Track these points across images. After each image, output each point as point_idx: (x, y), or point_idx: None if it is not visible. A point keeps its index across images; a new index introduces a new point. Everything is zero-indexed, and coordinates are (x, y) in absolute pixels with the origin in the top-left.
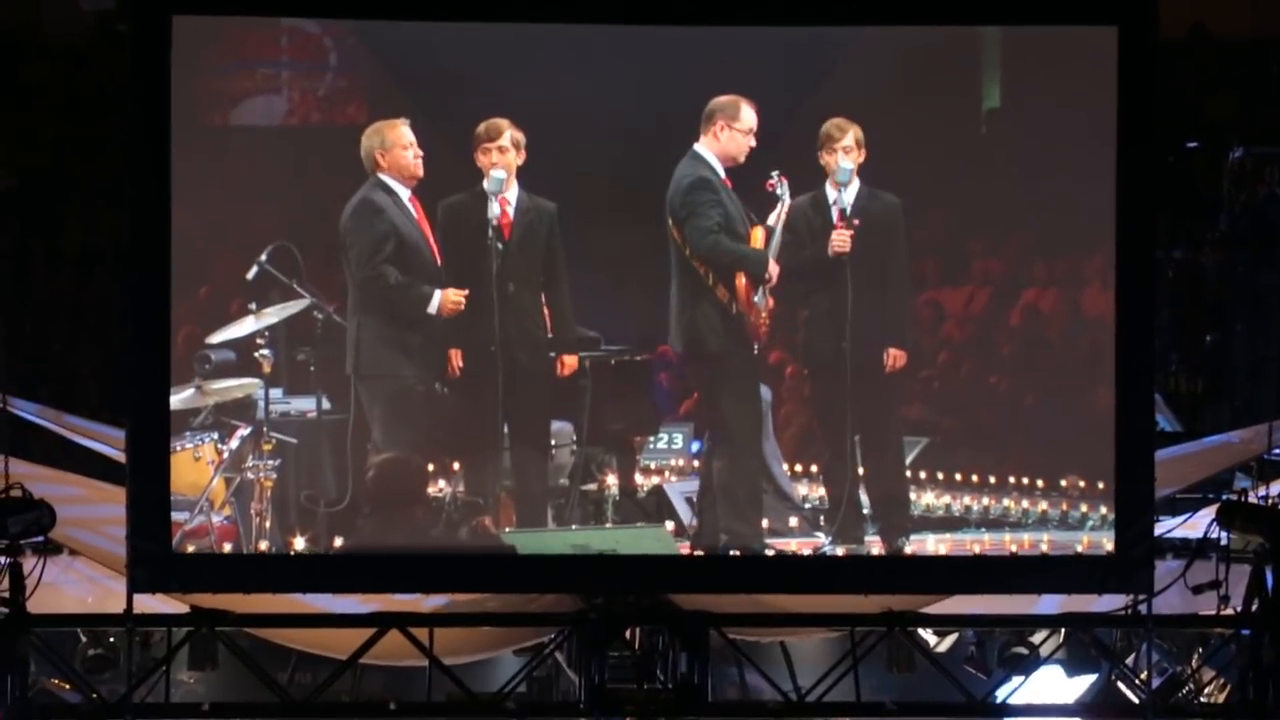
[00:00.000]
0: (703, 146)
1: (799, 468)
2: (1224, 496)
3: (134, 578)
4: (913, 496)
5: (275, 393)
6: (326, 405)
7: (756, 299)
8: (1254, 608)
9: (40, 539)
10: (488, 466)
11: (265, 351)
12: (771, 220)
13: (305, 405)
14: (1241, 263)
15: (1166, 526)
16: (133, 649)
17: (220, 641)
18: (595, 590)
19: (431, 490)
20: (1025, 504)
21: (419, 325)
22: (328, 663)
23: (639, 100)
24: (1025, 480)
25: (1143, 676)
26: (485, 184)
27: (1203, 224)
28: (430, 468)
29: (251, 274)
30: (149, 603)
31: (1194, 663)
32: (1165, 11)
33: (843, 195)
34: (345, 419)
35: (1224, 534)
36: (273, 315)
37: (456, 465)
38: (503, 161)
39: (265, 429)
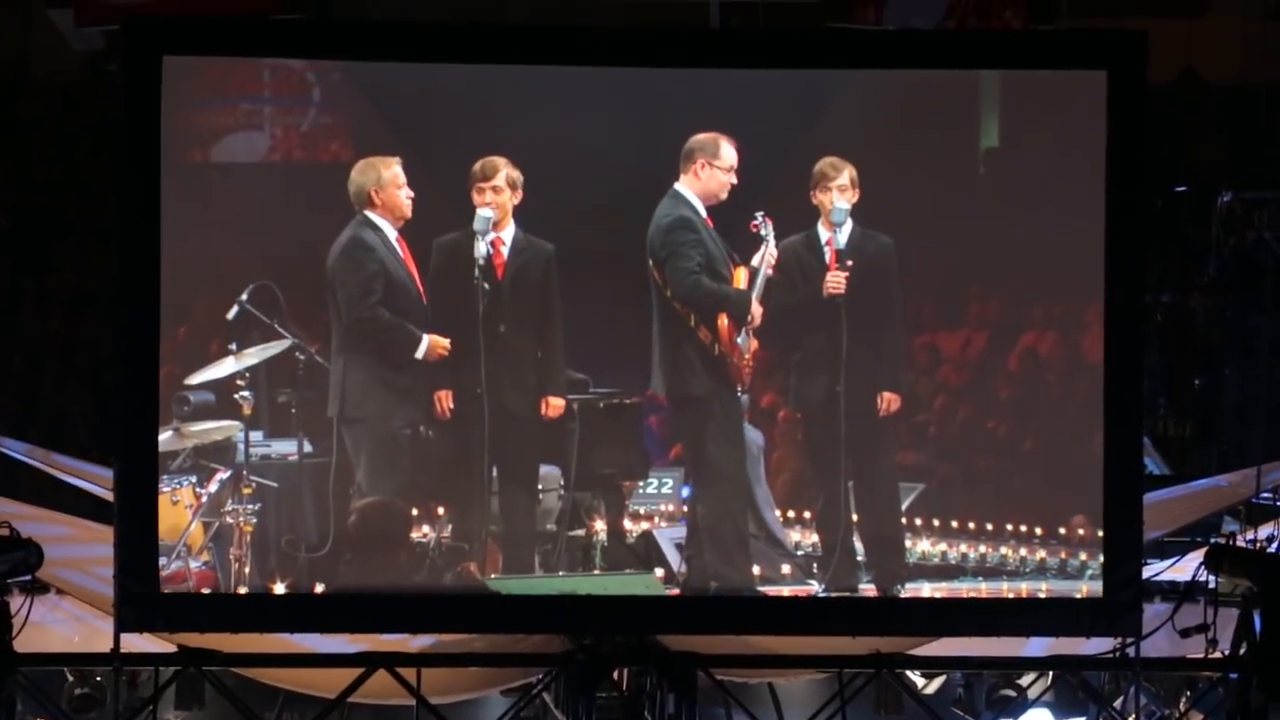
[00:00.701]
0: (683, 185)
1: (791, 513)
2: (1212, 540)
3: (122, 617)
4: (908, 544)
5: (255, 435)
6: (308, 448)
7: (739, 340)
8: (1242, 651)
9: (27, 578)
10: (473, 511)
11: (246, 393)
12: (755, 261)
13: (286, 448)
14: (1230, 307)
15: (1155, 569)
16: (120, 688)
17: (207, 681)
18: (583, 631)
19: (415, 535)
20: (1024, 552)
21: (407, 367)
22: (315, 702)
23: (636, 140)
24: (1024, 528)
25: (1131, 719)
26: (474, 223)
27: (1191, 268)
28: (414, 512)
29: (232, 314)
30: (136, 642)
31: (1182, 706)
32: (1155, 56)
33: (837, 235)
34: (327, 462)
35: (1212, 577)
36: (253, 356)
37: (441, 510)
38: (495, 201)
39: (245, 472)
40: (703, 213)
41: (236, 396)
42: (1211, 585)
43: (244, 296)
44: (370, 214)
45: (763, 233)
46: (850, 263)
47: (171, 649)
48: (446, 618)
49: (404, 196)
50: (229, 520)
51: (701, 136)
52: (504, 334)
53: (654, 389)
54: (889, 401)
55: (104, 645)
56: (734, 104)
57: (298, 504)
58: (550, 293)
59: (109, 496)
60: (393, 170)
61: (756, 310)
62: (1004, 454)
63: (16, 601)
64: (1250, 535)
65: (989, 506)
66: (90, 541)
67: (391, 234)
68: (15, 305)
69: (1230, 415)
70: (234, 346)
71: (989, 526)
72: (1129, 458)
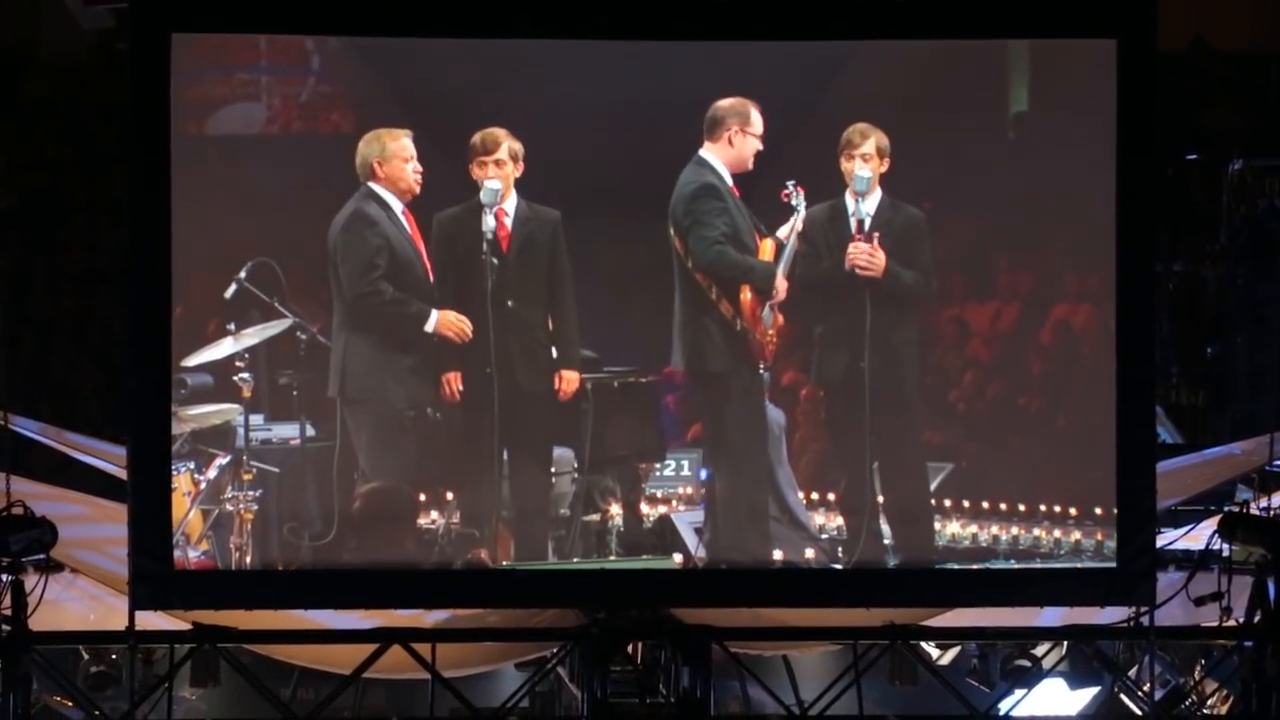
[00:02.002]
0: (709, 152)
1: (815, 495)
2: (1226, 508)
3: (136, 594)
4: (937, 526)
5: (256, 419)
6: (311, 432)
7: (763, 315)
8: (1256, 619)
9: (42, 556)
10: (484, 496)
11: (245, 375)
12: (783, 232)
13: (288, 432)
14: (1241, 275)
15: (1168, 538)
16: (135, 666)
17: (223, 658)
18: (597, 605)
19: (423, 521)
20: (1058, 533)
21: (412, 346)
22: (330, 678)
23: (642, 106)
24: (1058, 508)
25: (1145, 689)
26: (480, 195)
27: (1202, 236)
28: (422, 498)
29: (230, 292)
30: (151, 619)
31: (1197, 674)
32: (1165, 24)
33: (860, 205)
34: (331, 446)
35: (1226, 545)
36: (253, 336)
37: (450, 495)
38: (499, 174)
39: (245, 458)
40: (729, 181)
41: (236, 378)
42: (1225, 553)
43: (242, 274)
44: (375, 186)
45: (794, 202)
46: (877, 235)
47: (187, 626)
48: (462, 593)
49: (411, 170)
50: (229, 508)
51: (729, 102)
52: (513, 309)
53: (674, 364)
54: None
55: (119, 623)
56: (751, 69)
57: (300, 490)
58: (559, 261)
59: (122, 474)
60: (400, 142)
61: (781, 284)
62: (1036, 432)
63: (31, 580)
64: (1264, 503)
65: (1021, 487)
66: (104, 520)
67: (398, 207)
68: (26, 283)
69: (1242, 383)
70: (232, 326)
71: (1021, 507)
72: (1141, 427)
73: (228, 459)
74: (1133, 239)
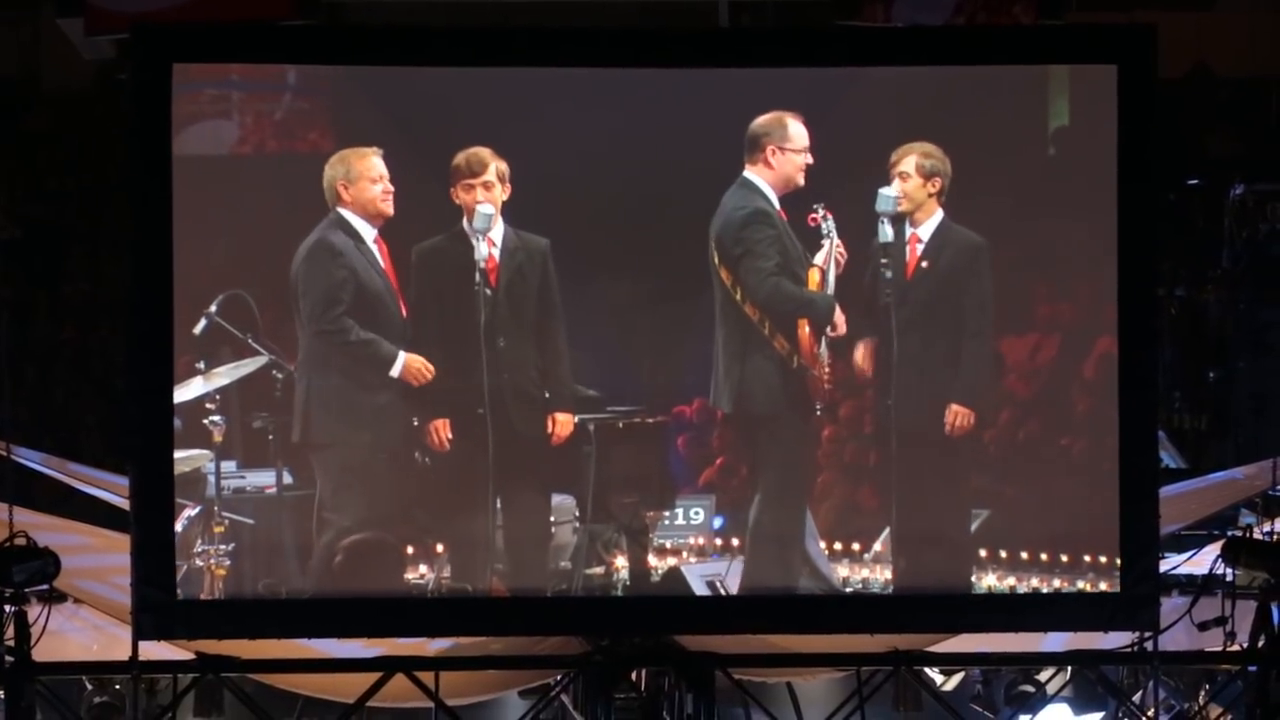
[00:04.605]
0: (753, 174)
1: (839, 545)
2: (1229, 533)
3: (140, 624)
4: (973, 578)
5: (228, 465)
6: (288, 479)
7: (820, 352)
8: (1260, 644)
9: (45, 587)
10: (476, 548)
11: (216, 418)
12: (820, 259)
13: (263, 480)
14: (1244, 299)
15: (1172, 563)
16: (138, 696)
17: (226, 687)
18: (600, 632)
19: (411, 576)
20: (1104, 585)
21: (380, 388)
22: (334, 707)
23: (641, 124)
24: (1103, 558)
25: (1150, 714)
26: (472, 222)
27: (1204, 261)
28: (410, 550)
29: (199, 328)
30: (154, 649)
31: (1201, 699)
32: (1165, 50)
33: (885, 228)
34: (310, 495)
35: (1229, 570)
36: (224, 375)
37: (440, 547)
38: (489, 197)
39: (216, 508)
40: (776, 204)
41: (206, 422)
42: (1229, 578)
43: (212, 308)
44: (344, 212)
45: (823, 228)
46: (925, 264)
47: (190, 656)
48: (464, 621)
49: (380, 191)
50: (199, 563)
51: (763, 119)
52: (504, 347)
53: (718, 404)
54: (957, 415)
55: (122, 653)
56: (765, 84)
57: (277, 543)
58: (550, 293)
59: (125, 505)
60: (367, 162)
61: (840, 318)
62: (1080, 474)
63: (34, 611)
64: (1267, 527)
65: (1063, 534)
66: (107, 550)
67: (369, 235)
68: (28, 315)
69: (1245, 407)
70: (202, 365)
71: (1064, 558)
72: (1144, 452)
73: (197, 510)
74: (1134, 264)
